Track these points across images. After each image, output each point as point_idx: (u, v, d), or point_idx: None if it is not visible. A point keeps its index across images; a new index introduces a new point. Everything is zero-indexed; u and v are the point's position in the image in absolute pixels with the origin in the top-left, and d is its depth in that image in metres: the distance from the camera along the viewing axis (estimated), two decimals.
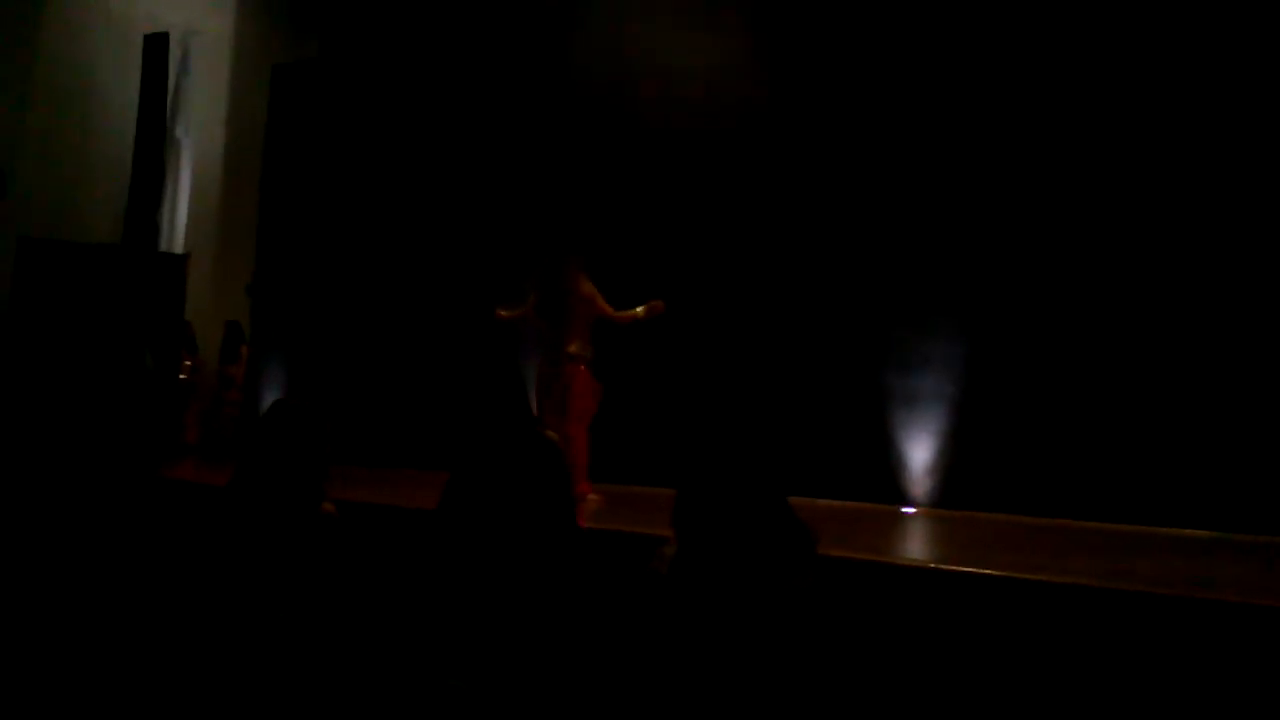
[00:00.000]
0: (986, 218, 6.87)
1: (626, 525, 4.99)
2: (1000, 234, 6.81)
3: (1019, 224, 6.75)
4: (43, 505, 5.57)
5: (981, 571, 3.74)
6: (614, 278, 6.70)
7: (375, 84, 10.43)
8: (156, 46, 10.82)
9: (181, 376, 9.80)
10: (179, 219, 11.49)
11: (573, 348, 6.40)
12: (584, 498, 6.23)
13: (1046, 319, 6.60)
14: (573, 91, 8.96)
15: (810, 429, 7.22)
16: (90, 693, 3.00)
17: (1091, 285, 6.46)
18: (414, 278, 9.80)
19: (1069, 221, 6.58)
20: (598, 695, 2.50)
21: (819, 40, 7.75)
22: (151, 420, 8.52)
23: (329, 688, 2.79)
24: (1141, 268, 6.31)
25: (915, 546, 5.43)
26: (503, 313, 6.83)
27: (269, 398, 10.24)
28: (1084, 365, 6.44)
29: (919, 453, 6.98)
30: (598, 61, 8.84)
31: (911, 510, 6.87)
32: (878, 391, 7.14)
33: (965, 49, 7.06)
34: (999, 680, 3.43)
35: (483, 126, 9.50)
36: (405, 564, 4.38)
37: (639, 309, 6.41)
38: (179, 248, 11.20)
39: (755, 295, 7.69)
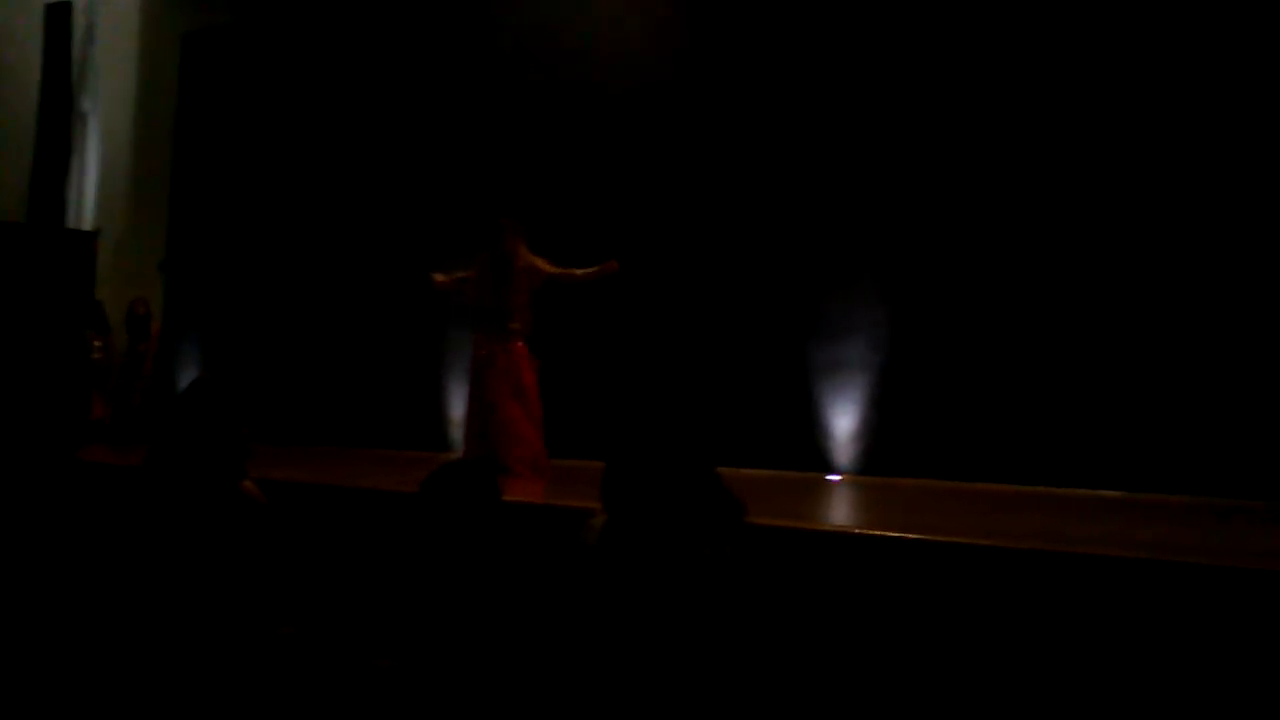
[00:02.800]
0: (908, 185, 6.91)
1: (555, 498, 4.97)
2: (922, 201, 6.86)
3: (940, 191, 6.81)
4: None
5: (905, 536, 3.78)
6: (535, 247, 6.63)
7: (290, 49, 10.17)
8: (59, 16, 10.46)
9: (95, 356, 9.54)
10: (87, 195, 11.15)
11: (516, 322, 6.32)
12: (546, 471, 6.25)
13: (968, 285, 6.68)
14: (496, 53, 8.83)
15: (736, 399, 7.24)
16: (16, 677, 2.92)
17: (1012, 251, 6.54)
18: (332, 252, 9.63)
19: (990, 188, 6.64)
20: (529, 664, 2.48)
21: (745, 6, 7.71)
22: (65, 401, 8.29)
23: (254, 667, 2.74)
24: (1060, 232, 6.40)
25: (841, 513, 5.49)
26: (440, 278, 6.61)
27: (182, 377, 10.03)
28: (1006, 331, 6.53)
29: (843, 420, 7.04)
30: (522, 21, 8.72)
31: (837, 478, 6.94)
32: (802, 360, 7.17)
33: (893, 14, 7.07)
34: (923, 643, 3.48)
35: (403, 92, 9.33)
36: (330, 542, 4.32)
37: (592, 269, 6.25)
38: (88, 224, 10.87)
39: (678, 265, 7.67)
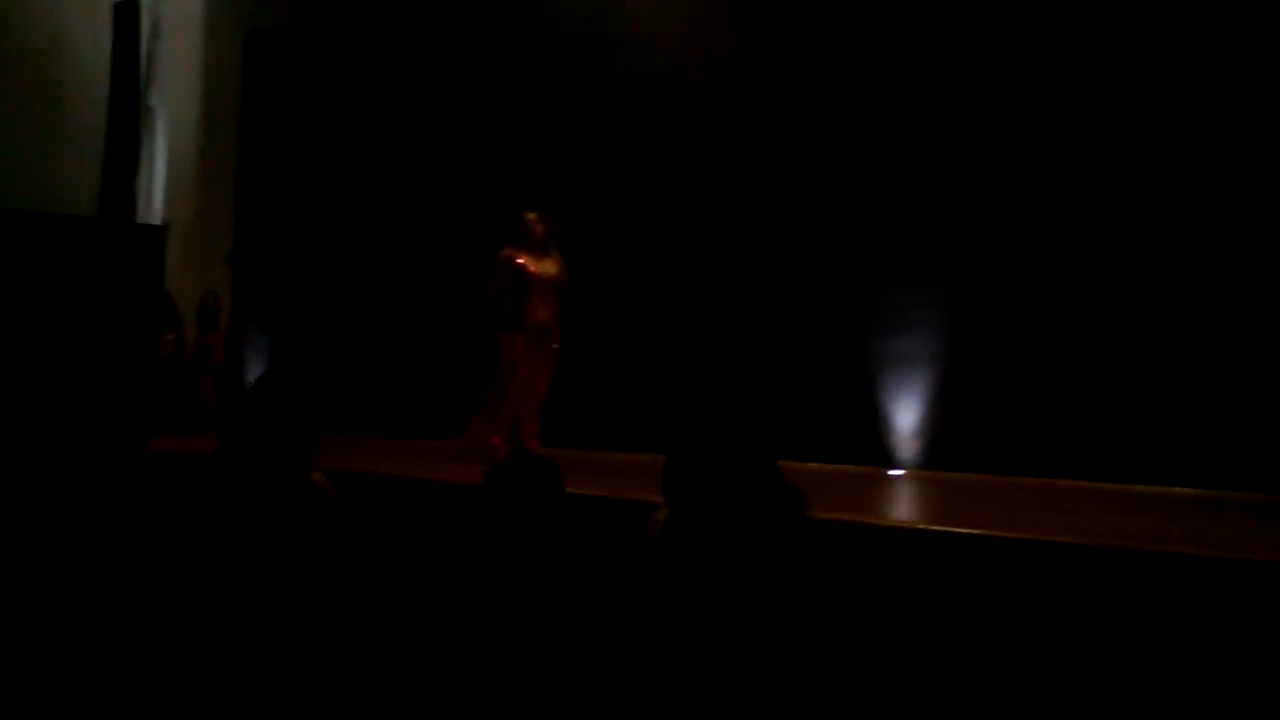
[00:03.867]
0: (971, 178, 6.84)
1: (619, 491, 4.99)
2: (985, 194, 6.79)
3: (1003, 184, 6.73)
4: (25, 482, 5.53)
5: (969, 531, 3.75)
6: (597, 241, 6.67)
7: (350, 47, 10.30)
8: (127, 15, 10.67)
9: (166, 349, 9.73)
10: (156, 190, 11.36)
11: (506, 314, 6.58)
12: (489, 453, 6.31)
13: (1032, 278, 6.59)
14: (551, 53, 8.87)
15: (798, 393, 7.22)
16: (84, 672, 2.98)
17: (1075, 244, 6.46)
18: (395, 243, 9.73)
19: (1052, 181, 6.56)
20: (594, 659, 2.50)
21: (798, 1, 7.68)
22: (135, 394, 8.45)
23: (324, 659, 2.78)
24: (1122, 226, 6.31)
25: (904, 508, 5.46)
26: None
27: (251, 368, 10.20)
28: (1070, 324, 6.44)
29: (906, 415, 6.99)
30: (576, 22, 8.75)
31: (899, 472, 6.89)
32: (864, 354, 7.13)
33: (942, 12, 7.00)
34: (987, 639, 3.45)
35: (460, 89, 9.40)
36: (399, 534, 4.36)
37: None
38: (157, 219, 11.08)
39: (741, 260, 7.66)
